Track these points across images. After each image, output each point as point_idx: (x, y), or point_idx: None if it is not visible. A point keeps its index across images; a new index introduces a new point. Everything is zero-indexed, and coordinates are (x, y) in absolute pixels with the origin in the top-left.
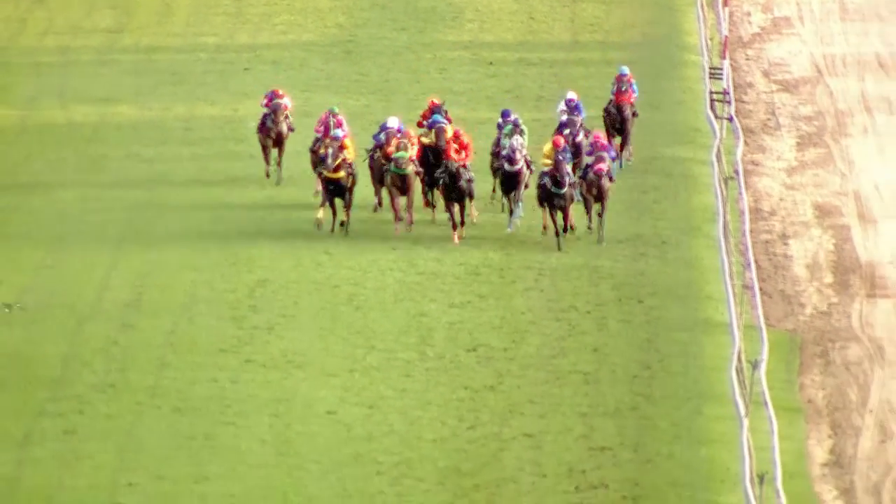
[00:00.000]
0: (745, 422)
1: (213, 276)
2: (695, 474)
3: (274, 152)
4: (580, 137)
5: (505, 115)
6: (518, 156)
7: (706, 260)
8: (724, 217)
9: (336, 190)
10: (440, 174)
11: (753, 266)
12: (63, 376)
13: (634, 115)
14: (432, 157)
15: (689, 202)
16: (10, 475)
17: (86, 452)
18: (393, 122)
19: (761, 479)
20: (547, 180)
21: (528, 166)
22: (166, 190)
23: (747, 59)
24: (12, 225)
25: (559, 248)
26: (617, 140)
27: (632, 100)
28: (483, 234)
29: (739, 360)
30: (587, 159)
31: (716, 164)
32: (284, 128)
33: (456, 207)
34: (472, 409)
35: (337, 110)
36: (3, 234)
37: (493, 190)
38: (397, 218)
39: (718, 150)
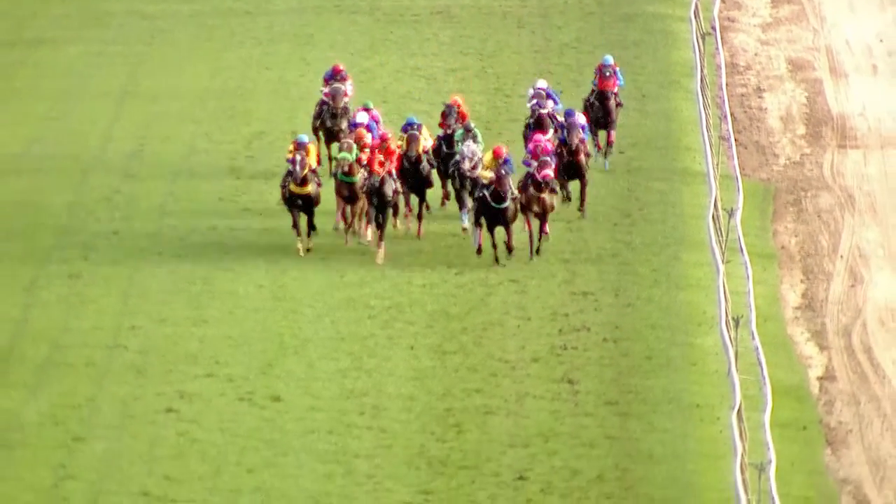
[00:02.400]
0: (722, 267)
1: (212, 128)
2: (673, 317)
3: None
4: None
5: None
6: (468, 164)
7: (684, 112)
8: (702, 71)
9: (303, 206)
10: (368, 190)
11: (729, 118)
12: (69, 224)
13: (619, 104)
14: (406, 163)
15: (668, 57)
16: (18, 317)
17: (90, 296)
18: (362, 118)
19: (737, 321)
20: (486, 193)
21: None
22: (167, 45)
23: None
24: (19, 79)
25: (497, 261)
26: (602, 135)
27: (615, 88)
28: (471, 85)
29: (716, 208)
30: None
31: (693, 20)
32: (345, 123)
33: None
34: (460, 255)
35: (371, 105)
36: (10, 88)
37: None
38: (347, 227)
39: (696, 7)
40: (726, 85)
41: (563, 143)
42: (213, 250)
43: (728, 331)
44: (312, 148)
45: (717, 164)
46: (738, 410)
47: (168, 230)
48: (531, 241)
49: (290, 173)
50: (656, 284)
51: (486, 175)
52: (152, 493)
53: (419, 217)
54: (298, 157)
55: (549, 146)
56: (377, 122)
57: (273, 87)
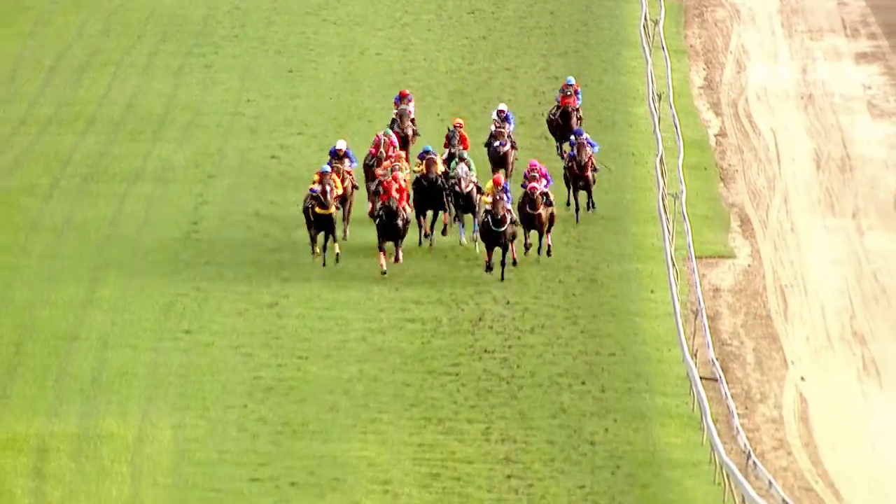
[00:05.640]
0: (650, 59)
1: None
2: (616, 93)
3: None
4: (507, 147)
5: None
6: (464, 182)
7: None
8: None
9: (325, 224)
10: (378, 213)
11: None
12: (203, 30)
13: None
14: (426, 183)
15: None
16: (170, 93)
17: (219, 80)
18: (341, 145)
19: (659, 96)
20: (489, 219)
21: (479, 189)
22: None
23: None
24: None
25: (502, 279)
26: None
27: (576, 104)
28: None
29: (646, 19)
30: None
31: None
32: (410, 132)
33: (390, 244)
34: (471, 51)
35: (390, 132)
36: None
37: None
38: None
39: None
40: None
41: (573, 159)
42: (302, 48)
43: (654, 103)
44: (335, 177)
45: None
46: (660, 157)
47: (272, 34)
48: (526, 248)
49: (313, 197)
50: (605, 72)
51: (487, 200)
52: (262, 213)
53: (429, 230)
54: (329, 189)
55: (544, 168)
56: (392, 146)
57: None
